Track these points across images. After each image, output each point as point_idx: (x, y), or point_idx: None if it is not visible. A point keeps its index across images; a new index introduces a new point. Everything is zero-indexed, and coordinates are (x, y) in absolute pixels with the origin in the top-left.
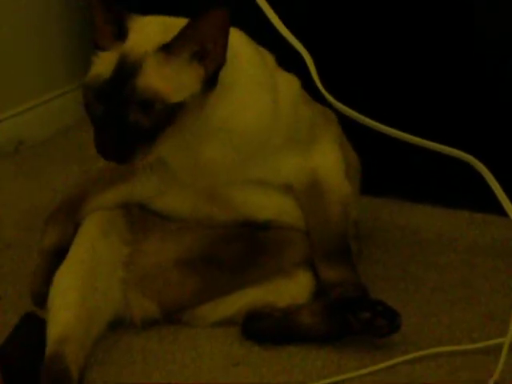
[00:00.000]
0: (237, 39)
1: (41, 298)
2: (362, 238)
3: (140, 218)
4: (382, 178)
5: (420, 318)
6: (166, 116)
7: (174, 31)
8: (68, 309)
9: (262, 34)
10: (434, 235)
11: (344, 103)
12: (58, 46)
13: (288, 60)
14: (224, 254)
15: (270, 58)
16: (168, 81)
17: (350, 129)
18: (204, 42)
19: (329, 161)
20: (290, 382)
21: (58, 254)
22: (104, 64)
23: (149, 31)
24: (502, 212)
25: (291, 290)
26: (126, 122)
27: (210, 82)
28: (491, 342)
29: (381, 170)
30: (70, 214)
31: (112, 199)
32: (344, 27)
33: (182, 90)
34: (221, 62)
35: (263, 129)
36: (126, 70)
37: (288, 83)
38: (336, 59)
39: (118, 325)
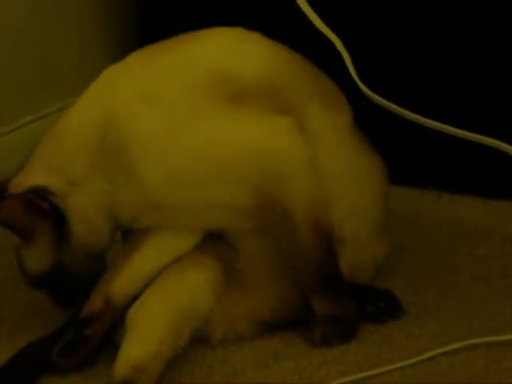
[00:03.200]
0: None
1: None
2: (399, 230)
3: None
4: (421, 170)
5: (460, 308)
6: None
7: None
8: (154, 338)
9: (296, 28)
10: (473, 226)
11: (379, 94)
12: None
13: (323, 54)
14: None
15: None
16: None
17: (387, 121)
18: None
19: (288, 144)
20: (331, 375)
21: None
22: None
23: None
24: None
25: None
26: None
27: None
28: None
29: (419, 161)
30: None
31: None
32: (380, 19)
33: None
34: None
35: None
36: None
37: None
38: (373, 52)
39: None
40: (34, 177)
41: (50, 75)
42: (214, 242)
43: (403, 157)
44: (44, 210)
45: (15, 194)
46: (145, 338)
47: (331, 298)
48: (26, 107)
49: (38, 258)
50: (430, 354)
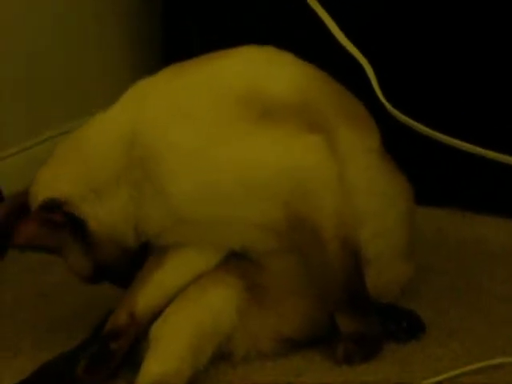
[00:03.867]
0: None
1: None
2: (423, 249)
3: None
4: (445, 189)
5: (483, 329)
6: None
7: None
8: (176, 356)
9: (320, 45)
10: (498, 245)
11: (405, 113)
12: None
13: (348, 71)
14: None
15: None
16: None
17: (411, 140)
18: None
19: (318, 162)
20: None
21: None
22: None
23: None
24: None
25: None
26: None
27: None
28: None
29: (443, 181)
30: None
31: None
32: (405, 36)
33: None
34: None
35: None
36: None
37: None
38: (397, 69)
39: None
40: (54, 185)
41: (76, 92)
42: (237, 258)
43: (428, 176)
44: (58, 223)
45: (27, 216)
46: (166, 355)
47: (357, 316)
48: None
49: (78, 265)
50: (451, 374)
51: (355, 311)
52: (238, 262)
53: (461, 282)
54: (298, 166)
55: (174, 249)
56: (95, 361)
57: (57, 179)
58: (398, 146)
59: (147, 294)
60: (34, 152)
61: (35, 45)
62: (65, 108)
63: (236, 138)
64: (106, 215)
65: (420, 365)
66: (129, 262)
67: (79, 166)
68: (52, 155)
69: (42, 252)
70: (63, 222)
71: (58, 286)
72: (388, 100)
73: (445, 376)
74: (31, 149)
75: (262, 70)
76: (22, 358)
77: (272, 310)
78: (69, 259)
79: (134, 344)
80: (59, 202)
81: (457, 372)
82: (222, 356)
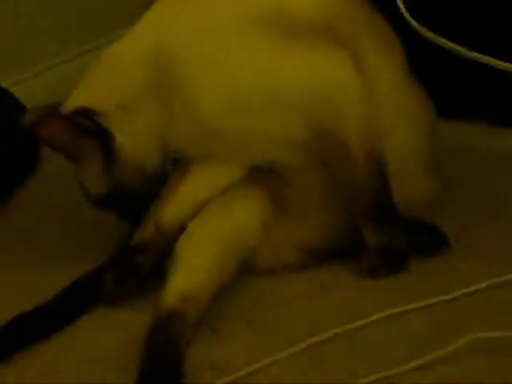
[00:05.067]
0: None
1: None
2: (450, 164)
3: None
4: (472, 103)
5: (509, 243)
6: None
7: None
8: (202, 269)
9: None
10: None
11: (430, 29)
12: None
13: None
14: None
15: None
16: None
17: (437, 55)
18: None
19: (343, 77)
20: (376, 306)
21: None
22: None
23: None
24: None
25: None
26: None
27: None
28: None
29: (471, 95)
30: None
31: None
32: None
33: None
34: None
35: None
36: None
37: None
38: None
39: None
40: (84, 98)
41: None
42: (261, 173)
43: (455, 90)
44: (86, 129)
45: (57, 115)
46: (192, 269)
47: (383, 228)
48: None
49: (93, 179)
50: (475, 287)
51: (382, 223)
52: (262, 176)
53: (487, 196)
54: (324, 80)
55: (199, 163)
56: (122, 274)
57: (88, 94)
58: (422, 60)
59: (173, 206)
60: (64, 69)
61: None
62: (94, 25)
63: (260, 51)
64: (133, 133)
65: (444, 278)
66: (144, 189)
67: (109, 82)
68: (84, 73)
69: (61, 154)
70: (91, 129)
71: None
72: (411, 15)
73: (470, 289)
74: (61, 66)
75: None
76: (52, 275)
77: (296, 222)
78: (85, 171)
79: (160, 257)
80: (91, 111)
81: (482, 285)
82: (247, 270)
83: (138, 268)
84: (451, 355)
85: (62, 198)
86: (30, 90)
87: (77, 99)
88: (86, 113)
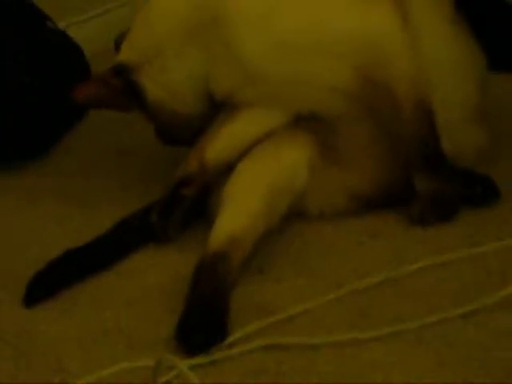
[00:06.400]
0: None
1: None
2: (501, 116)
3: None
4: None
5: None
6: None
7: None
8: (249, 212)
9: None
10: None
11: None
12: None
13: None
14: None
15: None
16: None
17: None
18: None
19: (392, 26)
20: (424, 253)
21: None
22: None
23: None
24: None
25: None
26: None
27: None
28: None
29: None
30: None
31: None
32: None
33: None
34: None
35: None
36: None
37: None
38: None
39: None
40: (126, 50)
41: None
42: (308, 119)
43: (505, 43)
44: (118, 88)
45: (90, 78)
46: (240, 211)
47: (433, 175)
48: None
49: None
50: None
51: (432, 170)
52: (310, 123)
53: None
54: (372, 30)
55: (244, 107)
56: (167, 205)
57: (129, 46)
58: (476, 14)
59: (217, 144)
60: (116, 14)
61: None
62: None
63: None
64: (170, 82)
65: (495, 227)
66: (191, 128)
67: (148, 30)
68: (132, 21)
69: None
70: (121, 88)
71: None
72: None
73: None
74: (113, 11)
75: None
76: (98, 215)
77: (345, 167)
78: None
79: (204, 194)
80: (126, 67)
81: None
82: (297, 214)
83: (182, 200)
84: (497, 305)
85: (112, 142)
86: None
87: (123, 49)
88: (120, 70)
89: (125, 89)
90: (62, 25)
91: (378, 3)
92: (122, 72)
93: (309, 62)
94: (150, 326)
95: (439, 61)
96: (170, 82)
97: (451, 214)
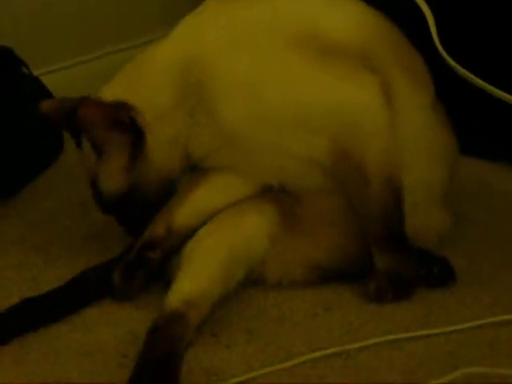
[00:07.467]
0: None
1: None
2: (466, 200)
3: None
4: (492, 142)
5: (509, 280)
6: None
7: None
8: (207, 276)
9: None
10: None
11: (459, 63)
12: None
13: (407, 18)
14: None
15: None
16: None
17: (462, 91)
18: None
19: (371, 102)
20: (377, 331)
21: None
22: None
23: None
24: None
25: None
26: None
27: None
28: None
29: (490, 133)
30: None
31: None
32: None
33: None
34: None
35: None
36: None
37: None
38: (459, 19)
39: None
40: (120, 93)
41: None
42: (275, 191)
43: (477, 128)
44: (122, 122)
45: (100, 101)
46: (198, 275)
47: (393, 253)
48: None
49: (115, 176)
50: (477, 323)
51: (392, 248)
52: (275, 193)
53: (498, 235)
54: (351, 102)
55: (215, 172)
56: (131, 267)
57: (124, 91)
58: (448, 95)
59: (186, 210)
60: (88, 67)
61: None
62: (120, 27)
63: (291, 70)
64: (162, 135)
65: (448, 310)
66: (157, 195)
67: (140, 88)
68: (118, 73)
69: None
70: (126, 124)
71: None
72: (444, 48)
73: (471, 324)
74: (85, 64)
75: (324, 10)
76: (58, 264)
77: (306, 238)
78: (107, 165)
79: (166, 258)
80: (130, 106)
81: (483, 321)
82: (254, 282)
83: (146, 263)
84: None
85: (78, 191)
86: (60, 81)
87: (113, 93)
88: (125, 107)
89: (128, 127)
90: (36, 72)
91: (360, 78)
92: (128, 111)
93: (287, 134)
94: (102, 380)
95: (415, 145)
96: (164, 137)
97: (407, 293)
